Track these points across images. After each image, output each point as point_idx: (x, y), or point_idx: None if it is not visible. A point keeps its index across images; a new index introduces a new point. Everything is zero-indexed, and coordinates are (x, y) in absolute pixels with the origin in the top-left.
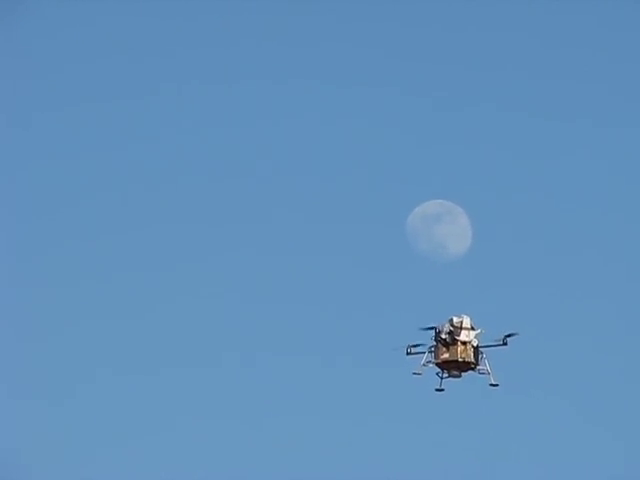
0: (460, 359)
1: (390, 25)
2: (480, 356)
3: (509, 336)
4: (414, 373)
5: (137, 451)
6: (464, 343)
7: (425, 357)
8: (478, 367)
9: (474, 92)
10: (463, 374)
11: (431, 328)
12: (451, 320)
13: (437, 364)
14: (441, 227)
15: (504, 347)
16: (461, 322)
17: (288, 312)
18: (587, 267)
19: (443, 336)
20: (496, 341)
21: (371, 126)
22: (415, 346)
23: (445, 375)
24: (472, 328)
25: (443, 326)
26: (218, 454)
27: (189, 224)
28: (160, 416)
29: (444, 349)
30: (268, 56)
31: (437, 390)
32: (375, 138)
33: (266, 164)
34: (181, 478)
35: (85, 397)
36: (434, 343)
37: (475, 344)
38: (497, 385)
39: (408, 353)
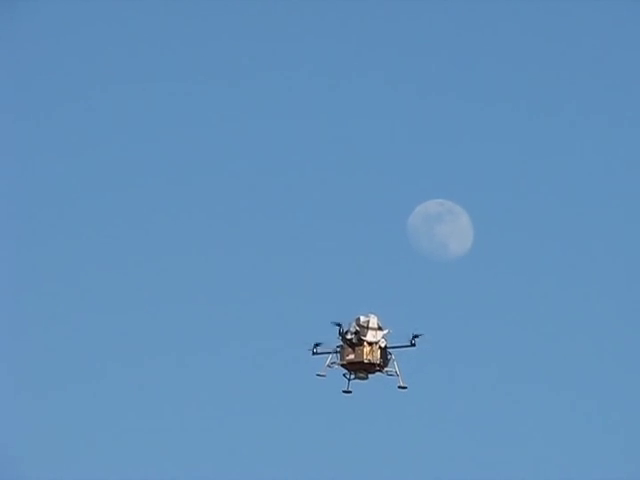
0: (366, 360)
1: (391, 23)
2: (388, 357)
3: (415, 337)
4: (318, 374)
5: (135, 447)
6: (370, 344)
7: (330, 358)
8: (386, 369)
9: (476, 91)
10: (370, 376)
11: (338, 324)
12: (358, 319)
13: (342, 365)
14: (442, 227)
15: (413, 348)
16: (368, 322)
17: (289, 311)
18: (588, 266)
19: (349, 336)
20: (404, 342)
21: (372, 125)
22: (318, 345)
23: (352, 377)
24: (379, 328)
25: (349, 325)
26: (217, 451)
27: (189, 220)
28: (159, 411)
29: (350, 350)
30: (268, 54)
31: (344, 392)
32: (376, 137)
33: (266, 163)
34: (180, 474)
35: (83, 394)
36: (340, 343)
37: (383, 345)
38: (406, 388)
39: (314, 353)
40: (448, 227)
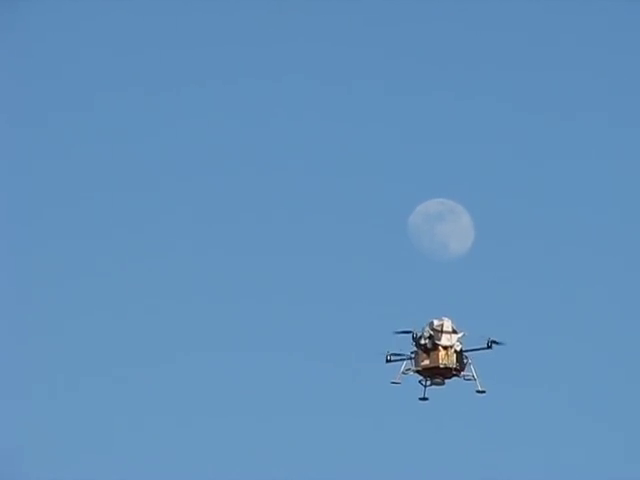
0: (441, 365)
1: (389, 23)
2: (465, 361)
3: (494, 342)
4: (392, 382)
5: (135, 449)
6: (445, 348)
7: (404, 364)
8: (463, 373)
9: (476, 90)
10: (447, 381)
11: (407, 332)
12: (431, 323)
13: (417, 371)
14: (443, 226)
15: (489, 351)
16: (442, 325)
17: (290, 310)
18: (589, 266)
19: (423, 341)
20: (481, 344)
21: (372, 124)
22: (395, 354)
23: (428, 383)
24: (454, 331)
25: (423, 330)
26: (218, 452)
27: (188, 222)
28: (160, 413)
29: (424, 355)
30: (267, 55)
31: (421, 399)
32: (376, 136)
33: (267, 163)
34: (181, 476)
35: (84, 395)
36: (414, 349)
37: (458, 348)
38: (484, 392)
39: (388, 360)
40: (449, 226)
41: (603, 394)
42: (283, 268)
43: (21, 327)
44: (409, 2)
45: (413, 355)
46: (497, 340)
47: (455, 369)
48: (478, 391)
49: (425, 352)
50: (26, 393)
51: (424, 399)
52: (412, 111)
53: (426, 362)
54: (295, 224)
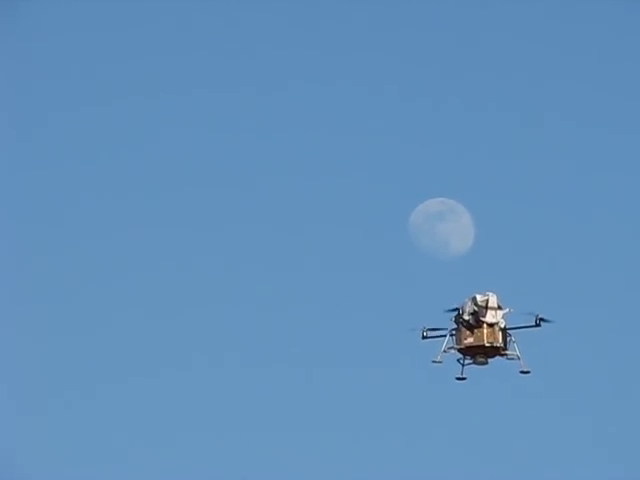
0: (487, 344)
1: (389, 25)
2: (508, 339)
3: (543, 320)
4: (434, 361)
5: (138, 456)
6: (490, 325)
7: (445, 342)
8: (506, 352)
9: (476, 90)
10: (490, 360)
11: (455, 309)
12: (474, 299)
13: (460, 350)
14: (444, 225)
15: (536, 329)
16: (486, 301)
17: (290, 311)
18: (590, 265)
19: (466, 317)
20: (527, 322)
21: (372, 124)
22: (433, 329)
23: (468, 362)
24: (499, 307)
25: (465, 305)
26: (219, 460)
27: (190, 227)
28: (161, 421)
29: (467, 332)
30: (266, 58)
31: (458, 379)
32: (376, 136)
33: (266, 163)
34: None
35: (85, 402)
36: (455, 326)
37: (503, 325)
38: (529, 372)
39: (424, 337)
40: (449, 226)
41: (605, 394)
42: (282, 267)
43: (22, 329)
44: (406, 3)
45: (454, 332)
46: (546, 317)
47: (501, 348)
48: (522, 371)
49: (468, 329)
50: (26, 394)
51: (462, 379)
52: (412, 111)
53: (470, 340)
54: (295, 224)
